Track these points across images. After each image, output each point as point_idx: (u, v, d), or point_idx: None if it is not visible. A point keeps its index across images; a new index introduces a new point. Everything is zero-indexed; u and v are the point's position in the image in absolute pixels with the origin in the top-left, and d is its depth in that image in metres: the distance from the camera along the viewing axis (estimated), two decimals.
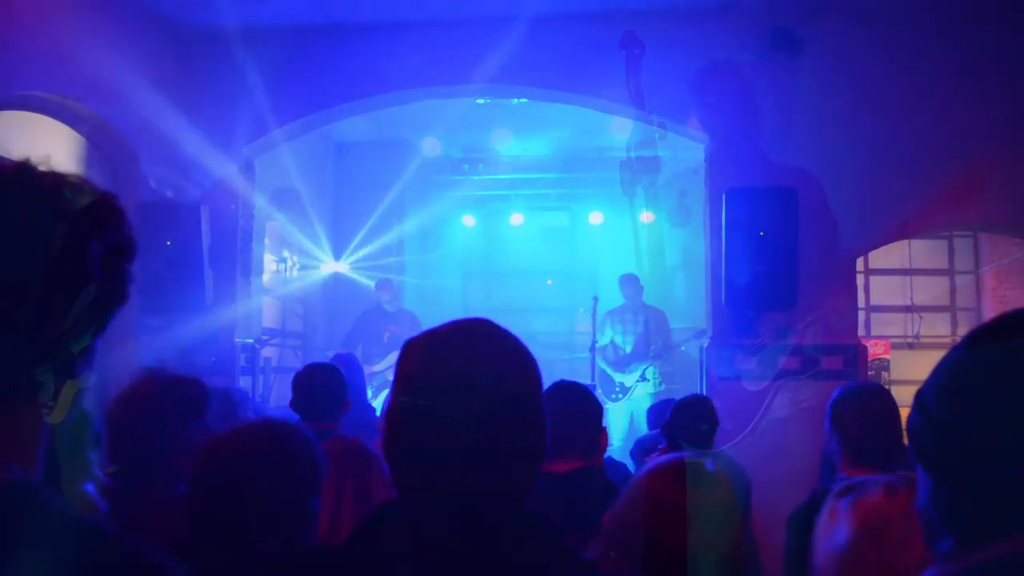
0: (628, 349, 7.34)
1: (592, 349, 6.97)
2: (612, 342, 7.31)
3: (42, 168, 0.77)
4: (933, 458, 0.88)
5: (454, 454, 1.04)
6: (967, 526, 0.85)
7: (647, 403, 7.17)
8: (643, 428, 7.10)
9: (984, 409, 0.84)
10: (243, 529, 1.51)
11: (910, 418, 0.93)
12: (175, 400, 2.23)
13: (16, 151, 0.78)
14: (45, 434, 0.77)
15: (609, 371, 7.21)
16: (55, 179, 0.77)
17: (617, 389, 7.23)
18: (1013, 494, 0.82)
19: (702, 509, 1.49)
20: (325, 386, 3.21)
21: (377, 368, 7.23)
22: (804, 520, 2.39)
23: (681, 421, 3.15)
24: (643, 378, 7.29)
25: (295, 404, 3.23)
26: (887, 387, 3.06)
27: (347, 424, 3.38)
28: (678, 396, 3.91)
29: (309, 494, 1.60)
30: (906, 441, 0.98)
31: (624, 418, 7.21)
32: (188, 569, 1.50)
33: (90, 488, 1.91)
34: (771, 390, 5.18)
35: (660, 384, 7.35)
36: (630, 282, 7.48)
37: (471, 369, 1.07)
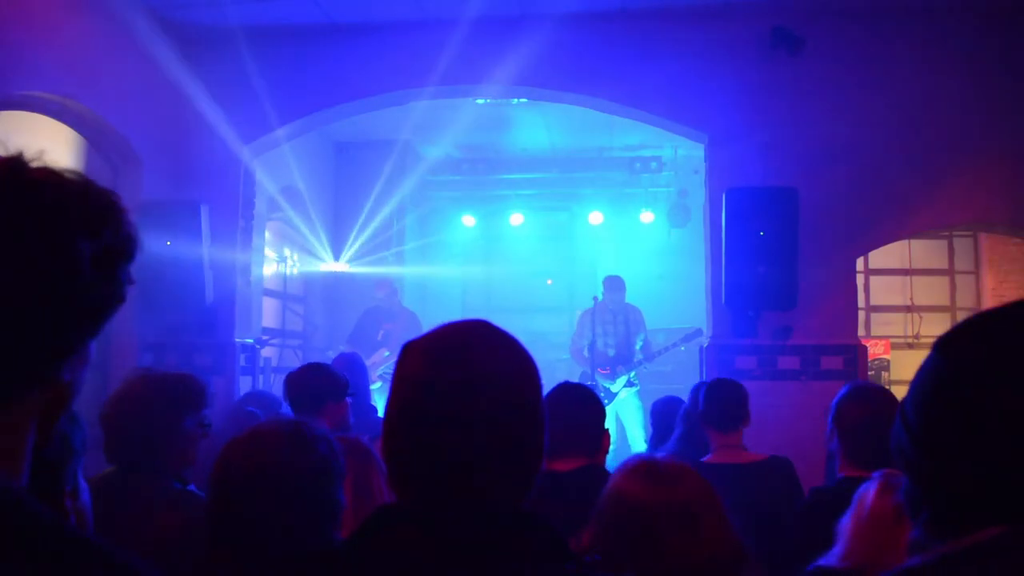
0: (611, 352, 7.11)
1: (591, 349, 6.92)
2: (593, 344, 6.97)
3: (35, 164, 0.74)
4: (906, 457, 0.93)
5: (452, 455, 1.04)
6: (934, 522, 0.89)
7: (633, 403, 7.11)
8: (630, 430, 7.08)
9: (943, 413, 0.88)
10: (272, 528, 1.50)
11: (894, 419, 0.98)
12: (166, 398, 2.22)
13: (22, 151, 0.76)
14: (32, 438, 0.75)
15: (596, 377, 6.96)
16: (47, 176, 0.74)
17: (602, 394, 7.06)
18: (974, 493, 0.86)
19: (671, 508, 1.49)
20: (315, 384, 3.20)
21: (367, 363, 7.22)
22: (804, 518, 2.39)
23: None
24: (629, 383, 7.12)
25: (288, 402, 3.24)
26: (887, 387, 3.07)
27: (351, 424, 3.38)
28: (681, 394, 3.90)
29: (334, 487, 1.60)
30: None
31: (611, 422, 7.04)
32: (210, 571, 1.49)
33: (82, 487, 1.90)
34: (770, 390, 5.17)
35: (638, 384, 7.24)
36: (616, 286, 7.17)
37: (469, 371, 1.07)
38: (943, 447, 0.88)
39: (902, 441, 0.93)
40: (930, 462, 0.89)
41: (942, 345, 0.91)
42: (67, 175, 0.76)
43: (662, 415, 3.89)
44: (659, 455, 1.65)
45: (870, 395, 2.41)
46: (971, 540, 0.84)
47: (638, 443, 6.93)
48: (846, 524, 1.53)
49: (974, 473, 0.85)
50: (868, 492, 1.49)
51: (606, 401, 6.98)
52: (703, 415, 3.18)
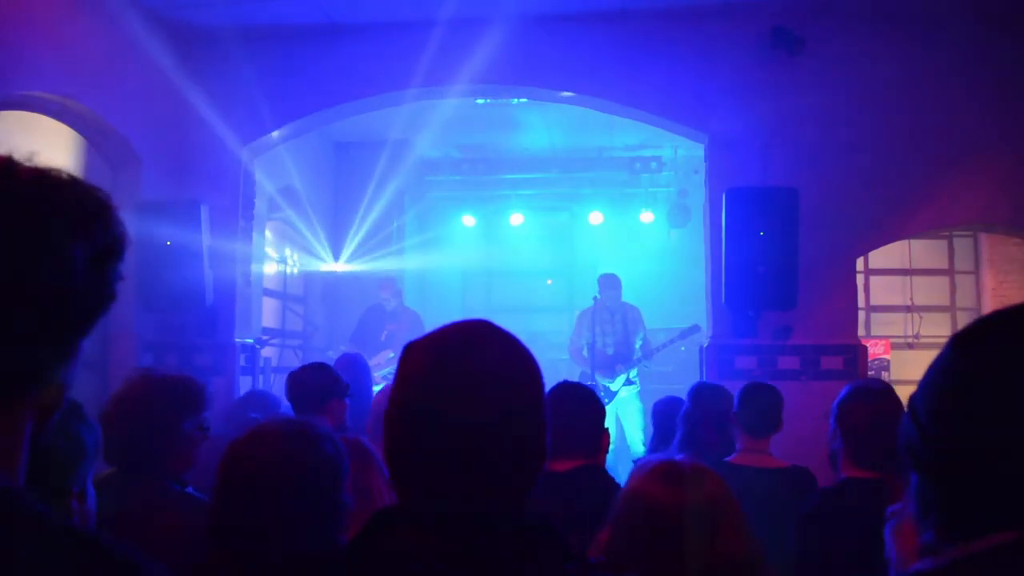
0: (610, 351, 7.09)
1: (591, 349, 6.91)
2: (592, 344, 6.94)
3: (26, 165, 0.74)
4: (917, 456, 0.90)
5: (454, 456, 1.04)
6: (944, 522, 0.87)
7: (633, 404, 7.10)
8: (629, 430, 7.07)
9: (960, 411, 0.86)
10: (276, 530, 1.49)
11: (903, 416, 0.95)
12: (166, 399, 2.21)
13: (16, 151, 0.76)
14: (28, 438, 0.76)
15: (596, 375, 6.95)
16: (39, 177, 0.74)
17: (602, 393, 7.04)
18: (985, 494, 0.83)
19: (691, 510, 1.48)
20: (318, 383, 3.20)
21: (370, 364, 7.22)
22: (809, 519, 2.39)
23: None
24: (629, 381, 7.11)
25: (290, 401, 3.24)
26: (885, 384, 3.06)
27: (352, 424, 3.38)
28: (682, 394, 3.90)
29: (339, 488, 1.58)
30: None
31: (611, 421, 6.99)
32: (210, 574, 1.48)
33: (90, 491, 1.90)
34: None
35: (637, 383, 7.24)
36: (612, 284, 7.14)
37: (471, 371, 1.06)
38: (958, 448, 0.85)
39: (912, 439, 0.91)
40: (943, 462, 0.87)
41: (959, 343, 0.89)
42: (57, 175, 0.76)
43: (663, 415, 3.88)
44: (678, 457, 1.64)
45: (873, 394, 2.39)
46: (984, 544, 0.82)
47: (636, 444, 6.92)
48: (898, 558, 1.47)
49: (989, 476, 0.83)
50: (905, 525, 1.44)
51: (606, 400, 6.96)
52: (737, 416, 3.18)
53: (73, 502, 1.26)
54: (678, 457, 1.64)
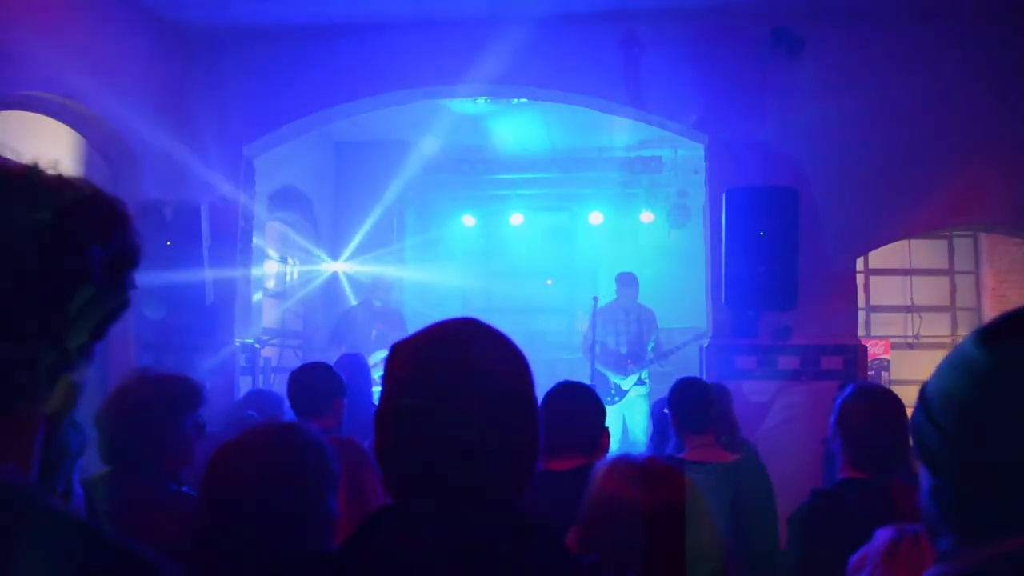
0: (623, 350, 7.15)
1: (592, 350, 6.91)
2: (603, 342, 7.01)
3: (49, 172, 0.77)
4: (934, 456, 0.87)
5: (444, 454, 1.04)
6: (966, 525, 0.84)
7: (640, 405, 7.11)
8: (636, 432, 7.07)
9: (986, 410, 0.82)
10: (262, 534, 1.49)
11: (913, 415, 0.92)
12: (162, 398, 2.22)
13: (16, 151, 0.78)
14: (41, 435, 0.77)
15: (608, 373, 7.04)
16: (59, 183, 0.78)
17: (613, 391, 7.09)
18: (1012, 495, 0.81)
19: (661, 509, 1.47)
20: (317, 383, 3.20)
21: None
22: (805, 521, 2.39)
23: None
24: (640, 382, 7.15)
25: (291, 401, 3.24)
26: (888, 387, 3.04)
27: (351, 425, 3.38)
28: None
29: (323, 498, 1.58)
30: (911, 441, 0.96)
31: (616, 422, 7.04)
32: (200, 572, 1.49)
33: (76, 491, 1.89)
34: (771, 390, 5.17)
35: (648, 384, 7.26)
36: (629, 282, 7.25)
37: (458, 369, 1.06)
38: (984, 450, 0.82)
39: (929, 442, 0.87)
40: (967, 465, 0.83)
41: (984, 339, 0.84)
42: (79, 182, 0.79)
43: (663, 415, 3.87)
44: (642, 455, 1.63)
45: (875, 396, 2.38)
46: (1009, 547, 0.79)
47: (640, 445, 6.93)
48: None
49: (1016, 478, 0.80)
50: (899, 548, 1.37)
51: (616, 398, 7.01)
52: (673, 419, 3.18)
53: (57, 501, 1.27)
54: (643, 455, 1.63)
